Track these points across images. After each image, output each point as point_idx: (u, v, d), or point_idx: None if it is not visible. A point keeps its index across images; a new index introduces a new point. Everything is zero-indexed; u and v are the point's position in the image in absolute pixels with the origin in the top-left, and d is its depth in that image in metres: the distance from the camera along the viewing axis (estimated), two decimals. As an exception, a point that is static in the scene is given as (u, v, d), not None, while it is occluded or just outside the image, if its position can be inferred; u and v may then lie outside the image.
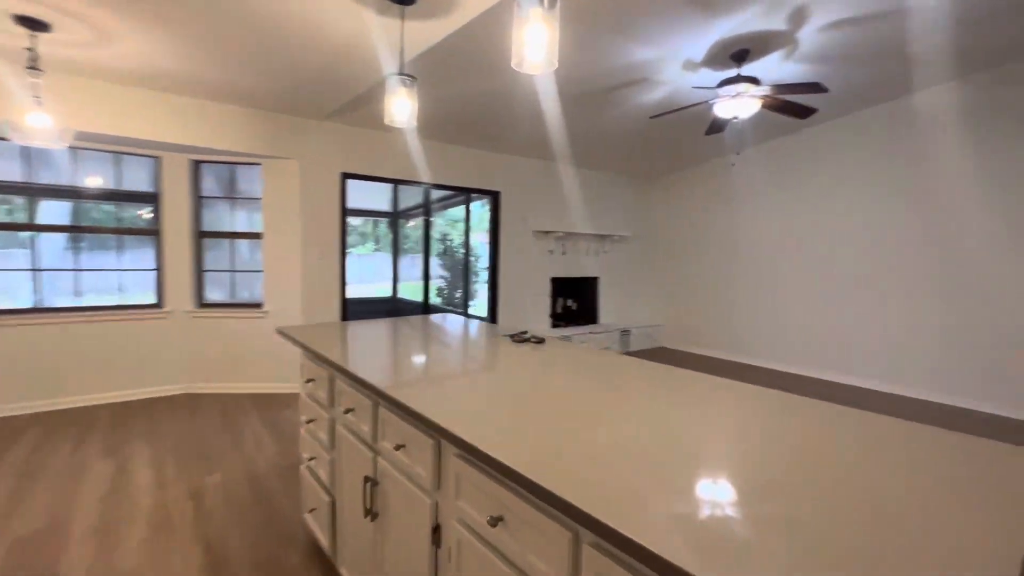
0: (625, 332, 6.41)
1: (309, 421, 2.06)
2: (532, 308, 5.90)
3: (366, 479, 1.53)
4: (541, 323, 6.01)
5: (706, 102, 3.76)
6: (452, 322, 2.77)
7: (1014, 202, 4.13)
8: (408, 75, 2.12)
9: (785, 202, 5.64)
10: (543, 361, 1.82)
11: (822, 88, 3.17)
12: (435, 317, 2.91)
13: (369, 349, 2.01)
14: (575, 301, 6.55)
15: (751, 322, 6.01)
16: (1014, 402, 4.15)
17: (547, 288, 6.05)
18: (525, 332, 2.26)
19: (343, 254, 4.56)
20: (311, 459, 2.07)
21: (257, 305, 4.43)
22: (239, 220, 4.52)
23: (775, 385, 5.00)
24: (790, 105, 3.62)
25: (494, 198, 5.55)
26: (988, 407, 4.28)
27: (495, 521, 1.00)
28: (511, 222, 5.63)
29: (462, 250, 6.07)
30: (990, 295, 4.26)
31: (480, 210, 6.08)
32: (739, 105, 3.56)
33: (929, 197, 4.58)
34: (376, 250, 7.10)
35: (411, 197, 5.86)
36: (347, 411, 1.67)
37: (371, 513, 1.51)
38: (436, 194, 5.50)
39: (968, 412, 4.27)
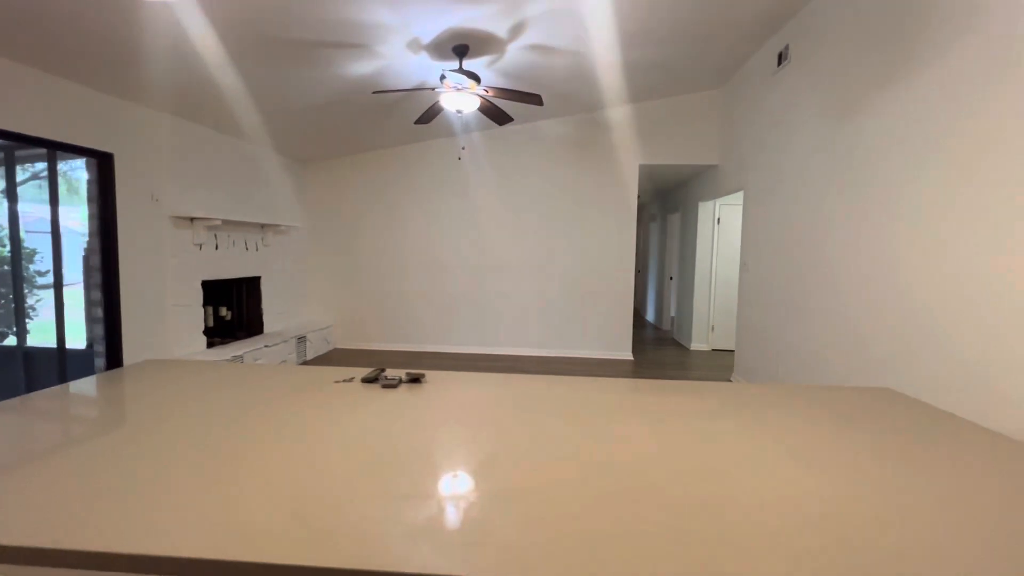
0: (301, 339, 5.50)
1: None
2: (176, 325, 4.21)
3: None
4: (193, 343, 4.38)
5: (433, 88, 3.60)
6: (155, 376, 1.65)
7: (601, 208, 5.92)
8: None
9: (445, 196, 6.14)
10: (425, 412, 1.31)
11: (539, 100, 3.58)
12: (76, 385, 1.65)
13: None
14: (229, 309, 5.10)
15: (419, 311, 6.29)
16: (608, 346, 6.03)
17: (197, 295, 4.44)
18: (383, 370, 1.55)
19: None
20: None
21: None
22: None
23: (461, 365, 5.44)
24: (496, 110, 3.92)
25: (103, 163, 3.58)
26: (597, 354, 6.05)
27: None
28: (134, 202, 3.79)
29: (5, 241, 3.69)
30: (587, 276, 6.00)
31: (61, 177, 3.85)
32: (463, 99, 3.58)
33: (552, 200, 5.99)
34: None
35: None
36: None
37: None
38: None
39: (583, 359, 5.91)
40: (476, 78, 3.58)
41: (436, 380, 1.55)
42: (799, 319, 3.77)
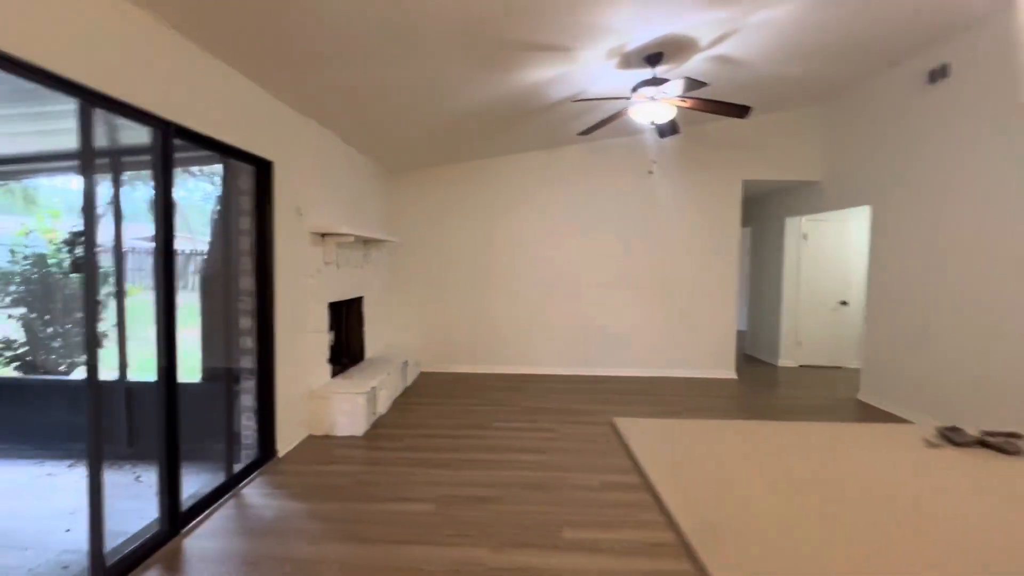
0: (404, 364, 5.07)
1: None
2: (307, 352, 3.75)
3: None
4: (320, 374, 3.91)
5: (628, 98, 3.37)
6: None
7: (703, 224, 5.80)
8: None
9: (538, 211, 5.88)
10: None
11: (745, 112, 3.40)
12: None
13: None
14: (333, 332, 4.64)
15: (508, 331, 5.97)
16: (712, 365, 5.86)
17: (325, 319, 4.00)
18: (953, 428, 1.27)
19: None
20: None
21: None
22: None
23: (565, 388, 5.14)
24: (669, 122, 3.73)
25: (262, 171, 3.15)
26: (701, 373, 5.86)
27: None
28: (282, 216, 3.36)
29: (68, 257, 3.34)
30: (691, 296, 5.85)
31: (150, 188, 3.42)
32: (659, 109, 3.37)
33: (653, 215, 5.82)
34: None
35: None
36: None
37: None
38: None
39: (700, 379, 5.72)
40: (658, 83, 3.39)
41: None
42: (962, 343, 3.71)
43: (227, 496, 2.72)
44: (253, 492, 2.81)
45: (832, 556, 0.76)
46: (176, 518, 2.33)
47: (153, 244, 2.31)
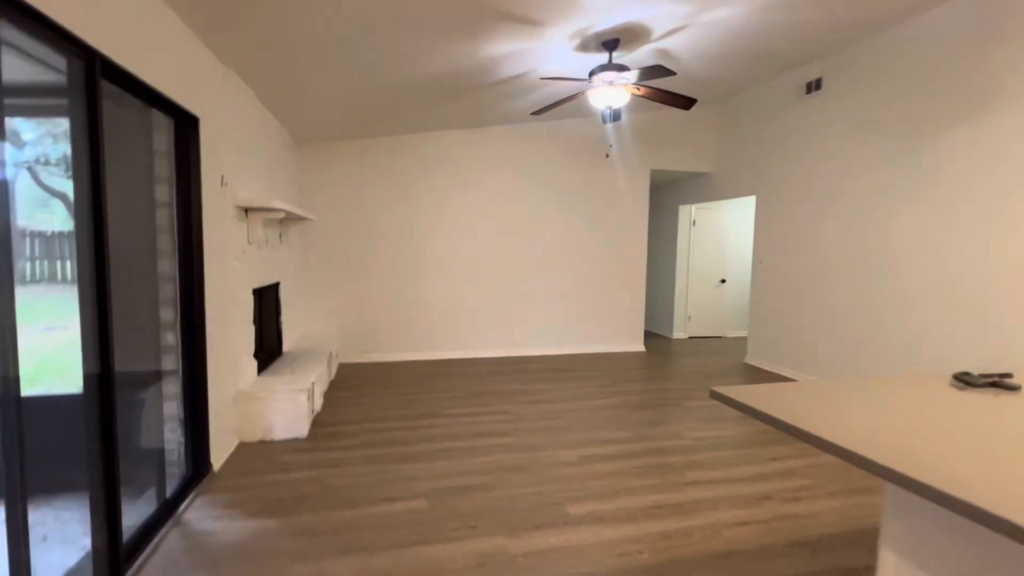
0: (330, 356, 4.60)
1: None
2: (233, 348, 3.20)
3: None
4: (247, 372, 3.37)
5: (587, 80, 3.41)
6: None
7: (615, 208, 6.17)
8: None
9: (457, 193, 5.74)
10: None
11: (690, 104, 3.64)
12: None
13: None
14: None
15: (427, 317, 5.79)
16: (623, 340, 6.32)
17: (250, 308, 3.44)
18: (967, 373, 1.53)
19: None
20: None
21: None
22: None
23: (484, 369, 5.20)
24: (619, 111, 3.87)
25: (187, 128, 2.57)
26: (614, 348, 6.29)
27: None
28: (207, 186, 2.79)
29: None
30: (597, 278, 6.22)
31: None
32: (616, 94, 3.48)
33: (568, 199, 6.04)
34: None
35: None
36: None
37: None
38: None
39: (609, 354, 6.11)
40: (623, 69, 3.52)
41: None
42: (831, 312, 4.56)
43: (167, 525, 2.23)
44: (199, 515, 2.34)
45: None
46: (117, 558, 1.85)
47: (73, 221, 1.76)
